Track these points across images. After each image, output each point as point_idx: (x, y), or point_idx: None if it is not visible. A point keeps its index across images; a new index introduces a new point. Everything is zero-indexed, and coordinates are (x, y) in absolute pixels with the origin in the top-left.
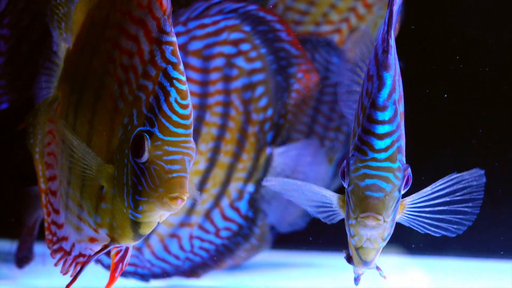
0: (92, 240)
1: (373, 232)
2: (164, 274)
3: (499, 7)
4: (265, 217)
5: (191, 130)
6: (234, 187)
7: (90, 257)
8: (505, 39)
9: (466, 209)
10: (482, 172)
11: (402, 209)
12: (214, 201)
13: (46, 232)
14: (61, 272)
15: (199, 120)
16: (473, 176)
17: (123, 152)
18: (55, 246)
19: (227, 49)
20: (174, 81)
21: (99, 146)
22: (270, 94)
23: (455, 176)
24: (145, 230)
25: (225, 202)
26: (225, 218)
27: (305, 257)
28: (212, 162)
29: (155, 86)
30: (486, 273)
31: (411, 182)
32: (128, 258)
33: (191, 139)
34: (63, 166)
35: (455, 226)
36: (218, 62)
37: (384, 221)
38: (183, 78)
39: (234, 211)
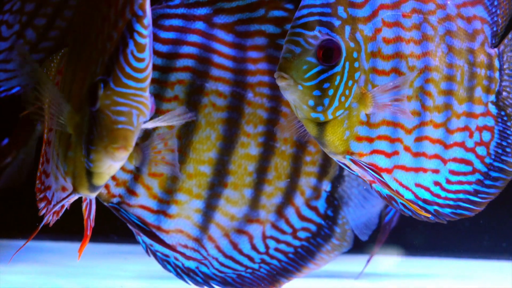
0: (64, 189)
1: (291, 96)
2: (240, 282)
3: None
4: (345, 215)
5: (144, 85)
6: (306, 183)
7: (54, 206)
8: None
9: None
10: None
11: (369, 101)
12: (284, 197)
13: (37, 181)
14: (45, 221)
15: (239, 98)
16: None
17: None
18: (41, 195)
19: (269, 28)
20: (134, 34)
21: (75, 95)
22: None
23: None
24: (98, 181)
25: (299, 200)
26: (302, 218)
27: None
28: (267, 149)
29: (119, 36)
30: (486, 273)
31: (341, 57)
32: (93, 213)
33: (144, 93)
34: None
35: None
36: (258, 41)
37: (296, 82)
38: (145, 32)
39: (312, 210)
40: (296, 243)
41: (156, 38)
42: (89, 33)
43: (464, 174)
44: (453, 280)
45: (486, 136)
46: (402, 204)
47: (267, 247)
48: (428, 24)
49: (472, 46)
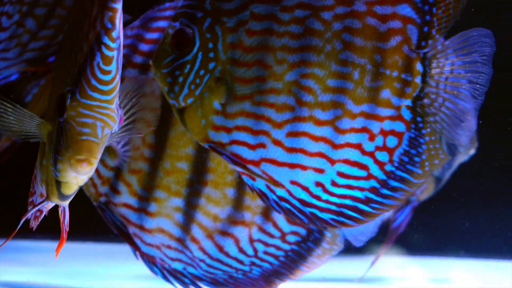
0: (42, 195)
1: (157, 82)
2: (233, 283)
3: None
4: None
5: (109, 97)
6: None
7: (29, 211)
8: None
9: None
10: None
11: (223, 91)
12: None
13: (31, 185)
14: (26, 225)
15: None
16: None
17: None
18: (30, 199)
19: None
20: (102, 46)
21: (52, 104)
22: None
23: None
24: (66, 191)
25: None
26: (290, 221)
27: None
28: None
29: (88, 48)
30: (486, 273)
31: (191, 46)
32: (67, 219)
33: (109, 105)
34: None
35: None
36: None
37: (156, 69)
38: (112, 45)
39: None
40: (286, 247)
41: (142, 39)
42: (68, 43)
43: (356, 178)
44: (454, 280)
45: (391, 141)
46: (274, 200)
47: (255, 250)
48: (317, 19)
49: (382, 45)
